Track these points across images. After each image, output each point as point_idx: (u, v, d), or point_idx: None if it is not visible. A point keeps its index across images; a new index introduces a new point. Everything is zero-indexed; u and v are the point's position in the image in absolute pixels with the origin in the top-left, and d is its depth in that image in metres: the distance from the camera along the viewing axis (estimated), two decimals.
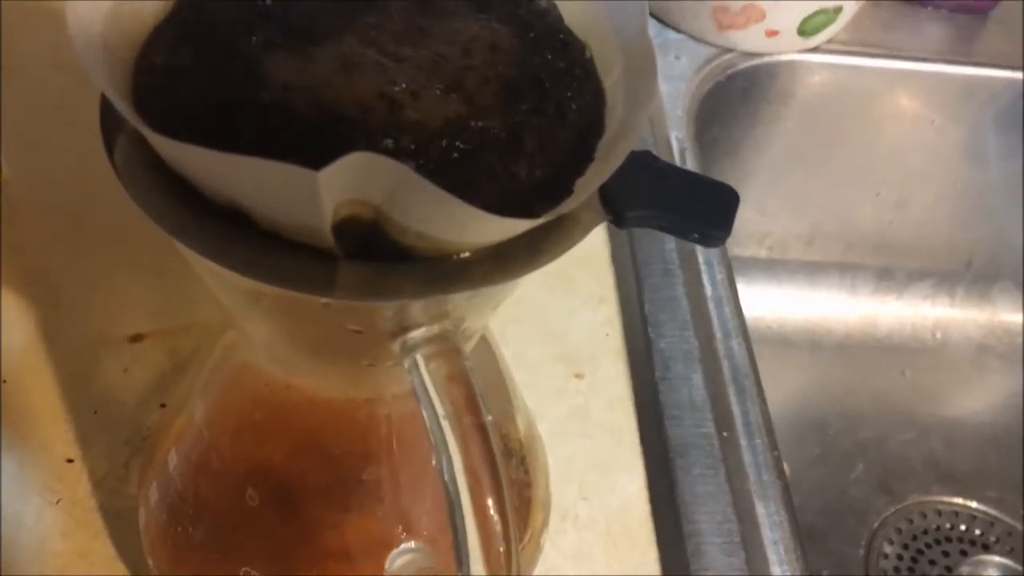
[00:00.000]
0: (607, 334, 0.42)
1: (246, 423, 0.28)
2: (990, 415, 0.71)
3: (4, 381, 0.37)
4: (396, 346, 0.22)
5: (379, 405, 0.26)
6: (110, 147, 0.22)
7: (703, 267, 0.46)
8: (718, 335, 0.43)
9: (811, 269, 0.70)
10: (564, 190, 0.21)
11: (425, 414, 0.22)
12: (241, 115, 0.20)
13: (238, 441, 0.28)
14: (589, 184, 0.20)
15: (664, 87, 0.55)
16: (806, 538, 0.39)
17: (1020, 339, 0.74)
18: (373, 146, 0.20)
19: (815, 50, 0.58)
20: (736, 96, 0.59)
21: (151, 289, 0.41)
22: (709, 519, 0.37)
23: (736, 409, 0.41)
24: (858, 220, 0.69)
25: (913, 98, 0.63)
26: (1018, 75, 0.61)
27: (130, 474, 0.35)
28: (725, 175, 0.61)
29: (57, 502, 0.35)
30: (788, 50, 0.58)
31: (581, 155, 0.21)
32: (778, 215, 0.68)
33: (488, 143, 0.20)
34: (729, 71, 0.57)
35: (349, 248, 0.20)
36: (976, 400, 0.72)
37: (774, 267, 0.70)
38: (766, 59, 0.58)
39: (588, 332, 0.42)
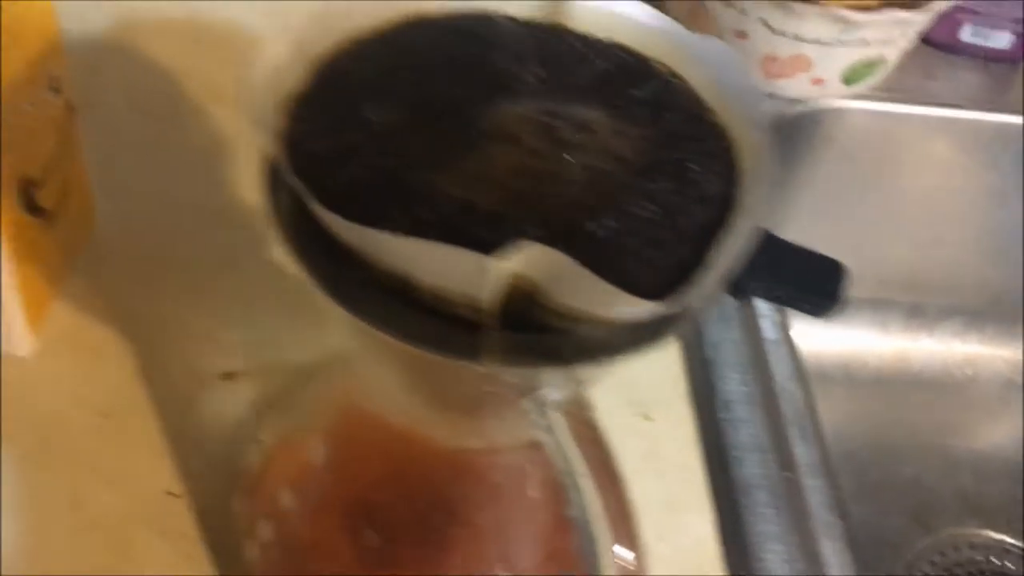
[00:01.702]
0: (672, 378, 0.44)
1: (364, 467, 0.30)
2: (1018, 450, 0.73)
3: (108, 416, 0.39)
4: (529, 405, 0.24)
5: (492, 455, 0.28)
6: (276, 211, 0.24)
7: (759, 312, 0.48)
8: (776, 377, 0.45)
9: (845, 305, 0.72)
10: (699, 268, 0.23)
11: (560, 466, 0.24)
12: (401, 199, 0.22)
13: (355, 483, 0.30)
14: (721, 264, 0.22)
15: None
16: None
17: None
18: (524, 231, 0.22)
19: (857, 97, 0.61)
20: (781, 140, 0.61)
21: (239, 329, 0.43)
22: (775, 557, 0.39)
23: (797, 450, 0.42)
24: (891, 259, 0.71)
25: (948, 143, 0.65)
26: None
27: (232, 509, 0.37)
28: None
29: (162, 535, 0.36)
30: (832, 97, 0.60)
31: (713, 234, 0.23)
32: None
33: (632, 228, 0.22)
34: (776, 116, 0.59)
35: (502, 319, 0.22)
36: (1005, 435, 0.73)
37: None
38: (811, 106, 0.60)
39: (654, 376, 0.44)
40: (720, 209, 0.24)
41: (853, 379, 0.73)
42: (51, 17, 0.36)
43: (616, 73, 0.26)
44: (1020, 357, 0.75)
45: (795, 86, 0.58)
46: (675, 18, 0.61)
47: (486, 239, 0.22)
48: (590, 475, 0.23)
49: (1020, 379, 0.75)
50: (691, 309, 0.23)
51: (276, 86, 0.24)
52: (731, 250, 0.22)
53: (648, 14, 0.28)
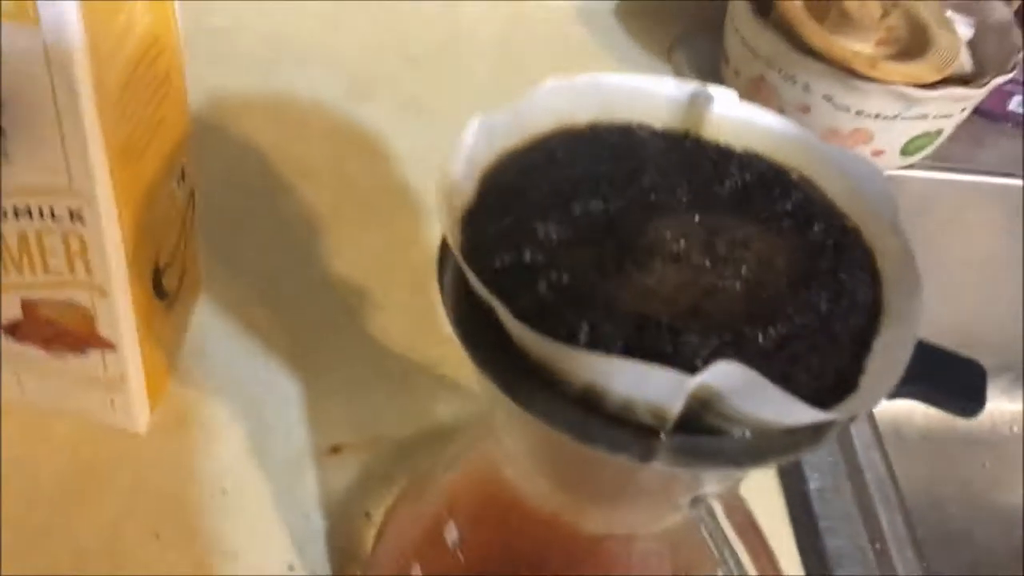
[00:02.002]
0: None
1: (500, 549, 0.31)
2: None
3: (225, 492, 0.41)
4: (687, 500, 0.26)
5: (635, 542, 0.30)
6: (453, 309, 0.25)
7: None
8: (858, 446, 0.46)
9: None
10: (855, 372, 0.24)
11: (721, 556, 0.25)
12: (582, 313, 0.24)
13: (490, 564, 0.32)
14: (889, 373, 0.23)
15: None
16: None
17: None
18: (704, 344, 0.23)
19: (912, 167, 0.63)
20: None
21: (343, 402, 0.45)
22: None
23: (883, 520, 0.44)
24: (942, 319, 0.72)
25: (998, 208, 0.67)
26: None
27: None
28: None
29: None
30: (890, 167, 0.62)
31: (865, 339, 0.25)
32: None
33: (793, 336, 0.24)
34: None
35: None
36: None
37: None
38: None
39: None
40: (868, 315, 0.25)
41: (903, 437, 0.74)
42: (184, 113, 0.38)
43: (757, 185, 0.28)
44: None
45: None
46: (737, 93, 0.63)
47: (666, 352, 0.23)
48: (749, 559, 0.25)
49: None
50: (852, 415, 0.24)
51: (453, 201, 0.26)
52: (898, 359, 0.23)
53: (779, 122, 0.29)
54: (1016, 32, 0.60)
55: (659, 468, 0.23)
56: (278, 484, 0.41)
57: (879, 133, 0.58)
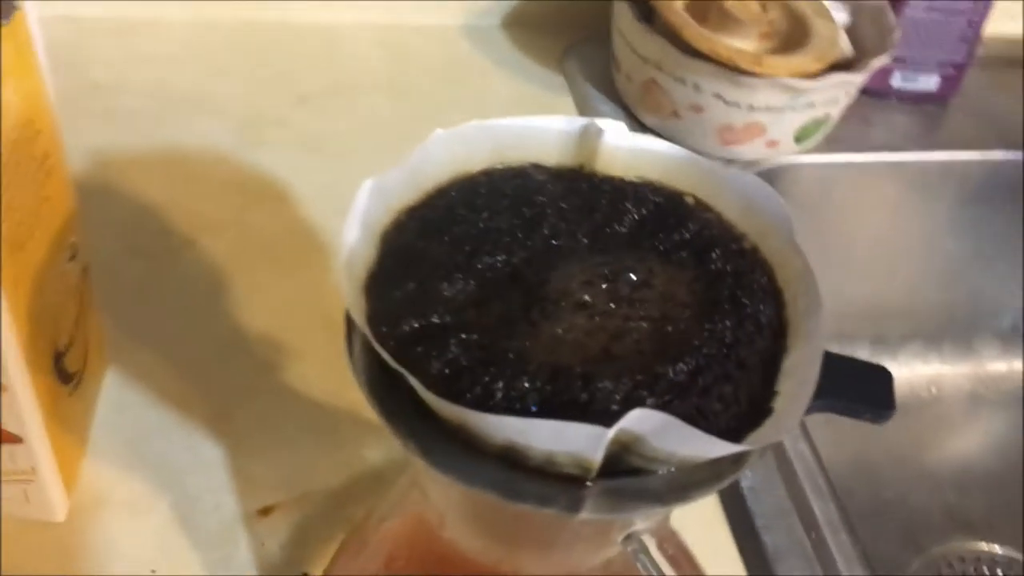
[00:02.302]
0: None
1: None
2: (991, 459, 0.76)
3: (155, 572, 0.39)
4: (620, 537, 0.26)
5: None
6: (365, 376, 0.25)
7: None
8: (786, 440, 0.47)
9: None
10: (770, 395, 0.25)
11: None
12: (496, 372, 0.24)
13: None
14: (802, 395, 0.24)
15: None
16: None
17: (1005, 384, 0.80)
18: (617, 389, 0.23)
19: (807, 152, 0.64)
20: None
21: (268, 460, 0.44)
22: None
23: (817, 509, 0.45)
24: (852, 296, 0.74)
25: (894, 184, 0.69)
26: (984, 155, 0.68)
27: None
28: None
29: None
30: (785, 155, 0.63)
31: (775, 361, 0.25)
32: None
33: (703, 368, 0.24)
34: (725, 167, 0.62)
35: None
36: (977, 446, 0.77)
37: None
38: (765, 165, 0.63)
39: None
40: (774, 335, 0.26)
41: (829, 416, 0.76)
42: (68, 189, 0.37)
43: (654, 217, 0.28)
44: (978, 371, 0.79)
45: (751, 150, 0.61)
46: (628, 98, 0.63)
47: (581, 400, 0.23)
48: None
49: (981, 391, 0.79)
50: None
51: (353, 269, 0.25)
52: (808, 378, 0.24)
53: (670, 148, 0.30)
54: (890, 14, 0.62)
55: (588, 518, 0.23)
56: (210, 556, 0.40)
57: (771, 125, 0.59)
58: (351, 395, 0.46)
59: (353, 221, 0.26)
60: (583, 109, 0.65)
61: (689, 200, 0.29)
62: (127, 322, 0.47)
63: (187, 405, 0.45)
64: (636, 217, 0.28)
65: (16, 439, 0.36)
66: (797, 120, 0.60)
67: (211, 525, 0.41)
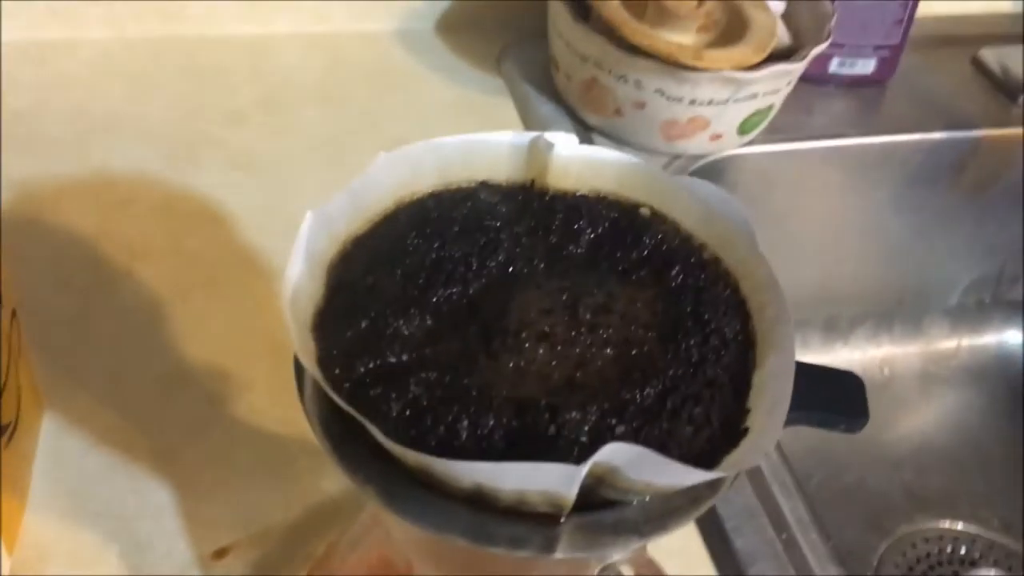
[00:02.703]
0: None
1: None
2: (946, 436, 0.77)
3: None
4: (596, 569, 0.25)
5: None
6: (319, 422, 0.24)
7: None
8: None
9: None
10: (741, 410, 0.24)
11: None
12: (461, 411, 0.22)
13: None
14: (777, 414, 0.23)
15: None
16: None
17: (955, 361, 0.81)
18: (584, 420, 0.22)
19: (751, 143, 0.64)
20: None
21: (222, 502, 0.42)
22: None
23: (785, 509, 0.44)
24: (802, 281, 0.74)
25: (837, 168, 0.69)
26: (923, 136, 0.68)
27: None
28: None
29: None
30: (729, 148, 0.63)
31: (744, 373, 0.24)
32: None
33: (671, 388, 0.23)
34: (681, 175, 0.62)
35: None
36: (931, 425, 0.78)
37: None
38: (710, 158, 0.63)
39: None
40: (742, 348, 0.25)
41: None
42: None
43: (610, 235, 0.27)
44: (928, 349, 0.80)
45: (695, 144, 0.61)
46: (569, 97, 0.62)
47: (548, 433, 0.22)
48: None
49: (932, 369, 0.80)
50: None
51: (300, 307, 0.24)
52: (782, 398, 0.23)
53: (622, 158, 0.29)
54: (825, 1, 0.62)
55: (563, 558, 0.22)
56: None
57: (715, 118, 0.59)
58: (304, 424, 0.44)
59: (296, 255, 0.24)
60: (524, 111, 0.64)
61: (645, 212, 0.28)
62: (61, 362, 0.45)
63: (130, 447, 0.43)
64: (592, 236, 0.27)
65: None
66: (740, 112, 0.59)
67: (164, 572, 0.39)
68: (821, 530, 0.44)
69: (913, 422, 0.78)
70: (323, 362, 0.23)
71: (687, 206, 0.28)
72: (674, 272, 0.26)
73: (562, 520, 0.22)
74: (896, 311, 0.79)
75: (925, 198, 0.72)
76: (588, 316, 0.24)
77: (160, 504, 0.41)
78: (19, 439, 0.39)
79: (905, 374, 0.79)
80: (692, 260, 0.26)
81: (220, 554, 0.40)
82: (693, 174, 0.63)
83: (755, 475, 0.45)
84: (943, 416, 0.79)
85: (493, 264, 0.25)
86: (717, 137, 0.61)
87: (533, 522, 0.22)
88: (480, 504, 0.22)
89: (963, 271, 0.78)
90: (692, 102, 0.57)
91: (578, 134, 0.62)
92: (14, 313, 0.38)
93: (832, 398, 0.25)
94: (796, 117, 0.67)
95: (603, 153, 0.28)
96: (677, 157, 0.62)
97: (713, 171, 0.63)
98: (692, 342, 0.24)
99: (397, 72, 0.66)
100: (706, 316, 0.25)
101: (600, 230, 0.27)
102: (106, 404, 0.44)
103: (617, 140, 0.62)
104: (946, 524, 0.70)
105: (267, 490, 0.42)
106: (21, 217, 0.51)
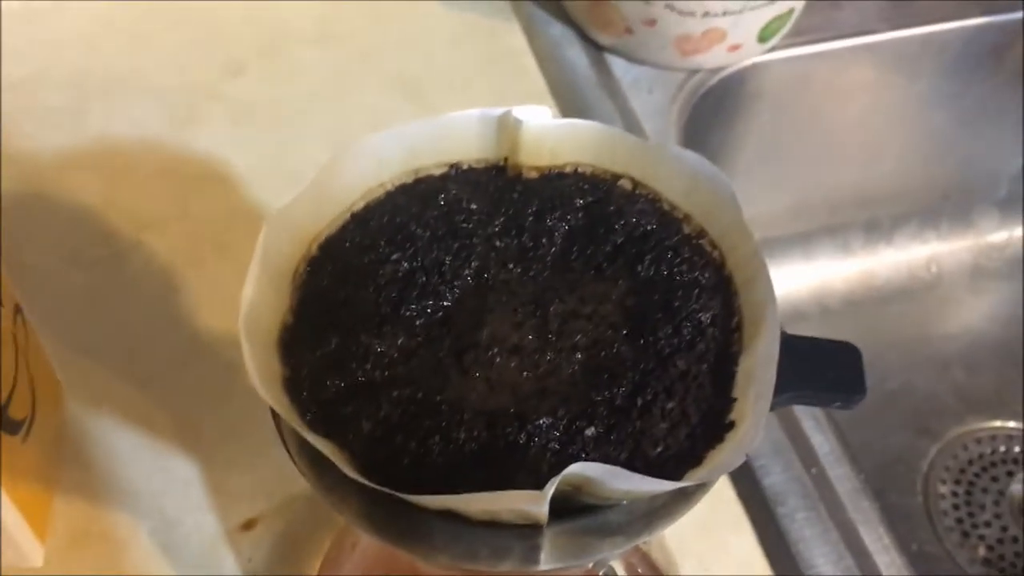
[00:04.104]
0: None
1: None
2: (998, 332, 0.75)
3: None
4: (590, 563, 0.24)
5: None
6: (297, 450, 0.23)
7: None
8: None
9: (803, 239, 0.73)
10: (725, 400, 0.22)
11: None
12: (433, 428, 0.21)
13: None
14: (757, 414, 0.21)
15: (647, 124, 0.57)
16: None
17: (1007, 252, 0.77)
18: (548, 430, 0.21)
19: (773, 49, 0.60)
20: (710, 110, 0.60)
21: (247, 473, 0.42)
22: (825, 559, 0.39)
23: (814, 443, 0.43)
24: (841, 183, 0.71)
25: (871, 66, 0.65)
26: (961, 24, 0.64)
27: None
28: None
29: None
30: (750, 57, 0.59)
31: (726, 359, 0.23)
32: (760, 199, 0.70)
33: (647, 387, 0.22)
34: (700, 91, 0.59)
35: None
36: (982, 321, 0.75)
37: (768, 246, 0.73)
38: (731, 70, 0.60)
39: None
40: (725, 335, 0.24)
41: (827, 307, 0.74)
42: None
43: (584, 226, 0.25)
44: (979, 243, 0.77)
45: (713, 58, 0.58)
46: (577, 17, 0.59)
47: (519, 443, 0.21)
48: None
49: (984, 262, 0.77)
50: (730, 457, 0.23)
51: (262, 325, 0.23)
52: (765, 391, 0.21)
53: (599, 128, 0.27)
54: None
55: (548, 568, 0.22)
56: None
57: (731, 28, 0.56)
58: None
59: (253, 272, 0.23)
60: (531, 34, 0.61)
61: (625, 184, 0.26)
62: (77, 343, 0.45)
63: (152, 423, 0.43)
64: (567, 228, 0.25)
65: None
66: (758, 19, 0.56)
67: (193, 547, 0.40)
68: (852, 463, 0.43)
69: (963, 319, 0.76)
70: (291, 384, 0.23)
71: (670, 174, 0.26)
72: (649, 259, 0.24)
73: (545, 528, 0.22)
74: (942, 207, 0.76)
75: (966, 87, 0.68)
76: (561, 322, 0.23)
77: (186, 478, 0.42)
78: (39, 431, 0.39)
79: (954, 270, 0.77)
80: (675, 237, 0.25)
81: (248, 526, 0.41)
82: (714, 88, 0.60)
83: (785, 410, 0.44)
84: (995, 311, 0.76)
85: (467, 272, 0.24)
86: (736, 48, 0.57)
87: (514, 532, 0.22)
88: (458, 516, 0.22)
89: (1011, 159, 0.74)
90: (705, 15, 0.54)
91: (590, 55, 0.60)
92: (18, 309, 0.38)
93: (827, 373, 0.24)
94: (822, 16, 0.64)
95: (579, 125, 0.26)
96: (695, 72, 0.59)
97: (736, 82, 0.60)
98: (662, 334, 0.23)
99: (396, 1, 0.63)
100: (678, 305, 0.24)
101: (575, 222, 0.25)
102: (125, 381, 0.45)
103: (631, 59, 0.59)
104: (998, 423, 0.69)
105: (283, 467, 0.42)
106: (23, 193, 0.51)
